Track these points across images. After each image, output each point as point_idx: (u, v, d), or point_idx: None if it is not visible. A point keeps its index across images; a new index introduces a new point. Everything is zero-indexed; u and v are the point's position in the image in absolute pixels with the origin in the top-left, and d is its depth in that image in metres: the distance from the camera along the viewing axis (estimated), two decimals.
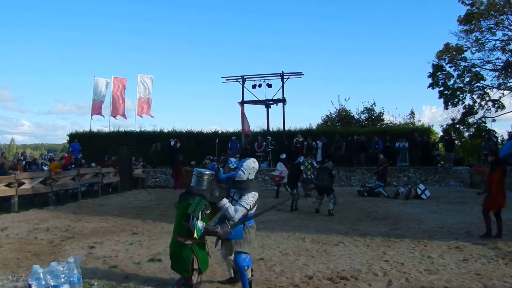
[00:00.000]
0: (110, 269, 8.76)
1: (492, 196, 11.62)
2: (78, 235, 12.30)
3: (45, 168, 22.25)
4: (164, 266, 8.92)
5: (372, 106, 41.33)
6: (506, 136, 33.65)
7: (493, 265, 8.80)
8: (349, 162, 29.09)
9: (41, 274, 2.79)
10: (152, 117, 35.69)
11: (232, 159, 26.65)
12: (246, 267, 6.92)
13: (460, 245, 10.51)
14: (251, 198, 6.88)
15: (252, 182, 7.12)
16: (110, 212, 16.89)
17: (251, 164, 7.08)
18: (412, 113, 41.25)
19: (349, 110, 41.77)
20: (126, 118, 36.61)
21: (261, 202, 7.19)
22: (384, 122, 40.05)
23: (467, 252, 9.90)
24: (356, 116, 41.46)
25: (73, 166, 23.58)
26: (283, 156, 23.39)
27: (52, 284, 2.81)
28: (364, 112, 41.36)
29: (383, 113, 41.11)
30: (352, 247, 10.57)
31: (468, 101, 36.57)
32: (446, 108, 36.86)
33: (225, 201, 6.91)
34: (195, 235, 6.53)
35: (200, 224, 6.51)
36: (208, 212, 6.70)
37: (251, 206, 6.91)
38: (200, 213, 6.51)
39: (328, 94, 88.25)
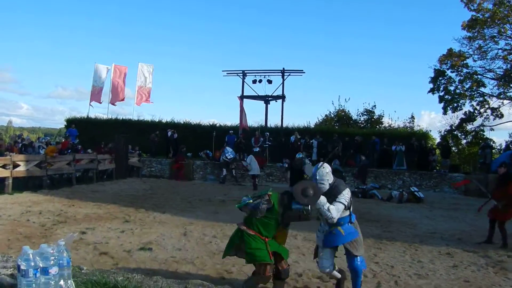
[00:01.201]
0: (100, 255, 8.78)
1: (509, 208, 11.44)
2: (70, 220, 12.32)
3: (42, 151, 22.25)
4: (155, 256, 8.94)
5: (372, 108, 41.40)
6: (503, 146, 33.68)
7: (482, 273, 8.80)
8: (345, 163, 29.11)
9: (31, 256, 2.78)
10: (151, 102, 35.47)
11: (228, 149, 26.86)
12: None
13: (451, 251, 10.51)
14: (346, 194, 6.57)
15: (336, 181, 6.74)
16: (104, 199, 16.88)
17: (324, 171, 6.64)
18: (412, 117, 41.27)
19: (348, 111, 41.89)
20: (124, 100, 36.47)
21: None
22: (383, 125, 40.04)
23: (458, 258, 9.90)
24: (355, 117, 41.54)
25: (69, 151, 23.59)
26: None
27: (41, 265, 2.80)
28: (364, 113, 41.40)
29: (383, 116, 41.16)
30: (343, 247, 10.58)
31: (467, 108, 36.67)
32: (445, 113, 36.93)
33: (323, 200, 6.51)
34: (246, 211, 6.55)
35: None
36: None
37: (349, 203, 6.64)
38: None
39: (329, 94, 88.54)
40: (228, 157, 26.26)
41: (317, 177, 6.57)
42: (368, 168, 25.88)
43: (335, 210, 6.43)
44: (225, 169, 26.58)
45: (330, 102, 58.18)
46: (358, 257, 6.67)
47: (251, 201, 6.44)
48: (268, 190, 6.64)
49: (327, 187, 6.57)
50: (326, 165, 6.75)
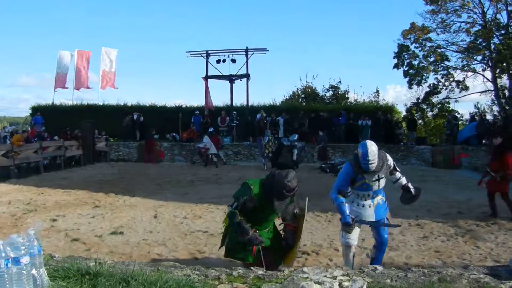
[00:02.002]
0: (72, 241, 8.79)
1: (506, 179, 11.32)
2: (41, 208, 12.27)
3: (8, 141, 22.04)
4: (126, 239, 8.98)
5: (338, 84, 41.54)
6: (467, 117, 34.13)
7: (452, 242, 8.98)
8: (312, 139, 29.21)
9: (1, 246, 2.79)
10: (115, 88, 35.24)
11: (205, 139, 26.75)
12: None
13: (421, 223, 10.66)
14: (389, 156, 6.69)
15: (380, 153, 6.46)
16: (73, 185, 16.77)
17: (374, 149, 6.26)
18: (377, 91, 41.57)
19: (315, 87, 42.04)
20: (90, 88, 36.17)
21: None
22: (348, 100, 40.23)
23: (428, 229, 10.06)
24: (321, 94, 41.67)
25: (36, 139, 23.38)
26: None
27: (12, 256, 2.82)
28: (330, 89, 41.53)
29: (348, 91, 41.39)
30: (314, 222, 10.70)
31: (432, 81, 36.99)
32: (410, 87, 37.11)
33: (398, 174, 6.82)
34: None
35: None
36: None
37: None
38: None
39: (295, 72, 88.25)
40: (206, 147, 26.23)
41: (367, 155, 6.19)
42: (327, 143, 26.00)
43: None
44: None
45: (297, 80, 58.07)
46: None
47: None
48: (248, 183, 6.03)
49: (377, 163, 6.29)
50: (373, 143, 6.38)
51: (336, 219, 11.10)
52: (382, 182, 6.51)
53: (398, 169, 6.80)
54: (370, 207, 6.60)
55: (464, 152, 24.11)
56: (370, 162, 6.18)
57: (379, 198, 6.63)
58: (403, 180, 6.83)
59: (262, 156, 24.65)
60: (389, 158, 6.61)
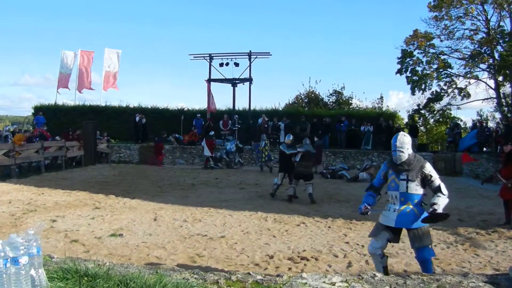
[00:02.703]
0: (71, 243, 8.77)
1: None
2: (40, 208, 12.27)
3: (9, 140, 22.05)
4: (126, 241, 8.97)
5: (341, 90, 41.56)
6: (470, 124, 34.16)
7: (452, 250, 8.95)
8: (313, 144, 29.20)
9: (0, 246, 2.80)
10: (117, 89, 35.32)
11: (229, 142, 27.00)
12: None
13: None
14: (432, 167, 6.34)
15: (413, 154, 6.31)
16: (73, 186, 16.79)
17: (405, 139, 6.22)
18: (381, 98, 41.56)
19: (318, 92, 42.01)
20: (92, 89, 36.26)
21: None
22: (351, 106, 40.23)
23: None
24: (325, 99, 41.66)
25: (37, 139, 23.40)
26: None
27: (11, 255, 2.82)
28: (333, 94, 41.53)
29: (352, 97, 41.39)
30: (314, 228, 10.69)
31: (435, 88, 37.05)
32: (413, 93, 37.23)
33: (437, 181, 6.30)
34: None
35: None
36: None
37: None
38: None
39: (299, 76, 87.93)
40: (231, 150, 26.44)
41: (396, 144, 6.17)
42: (323, 148, 26.05)
43: (442, 184, 6.33)
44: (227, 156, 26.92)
45: (300, 84, 58.08)
46: (427, 246, 6.32)
47: None
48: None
49: (406, 156, 6.15)
50: (405, 133, 6.40)
51: (336, 224, 11.14)
52: (412, 186, 6.19)
53: (440, 185, 6.30)
54: (394, 211, 6.36)
55: (468, 154, 23.79)
56: (398, 148, 6.13)
57: (408, 206, 6.23)
58: (440, 188, 6.31)
59: (259, 160, 24.81)
60: (429, 166, 6.28)
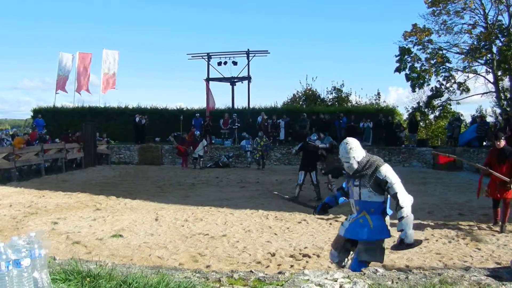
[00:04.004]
0: (73, 244, 8.77)
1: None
2: (41, 211, 12.25)
3: (6, 144, 22.03)
4: (127, 242, 8.96)
5: (341, 87, 41.74)
6: (469, 119, 34.15)
7: (454, 244, 8.93)
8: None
9: (2, 248, 2.79)
10: (115, 89, 35.38)
11: (245, 141, 27.21)
12: None
13: (422, 225, 10.53)
14: (390, 170, 5.45)
15: (366, 157, 5.60)
16: (74, 188, 16.78)
17: (347, 147, 5.55)
18: (378, 94, 41.64)
19: (316, 89, 42.14)
20: (90, 94, 36.34)
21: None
22: (350, 103, 40.25)
23: (429, 231, 10.00)
24: (323, 96, 41.78)
25: (37, 141, 23.42)
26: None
27: (13, 258, 2.82)
28: (332, 91, 41.62)
29: (351, 94, 41.63)
30: (315, 225, 10.67)
31: (434, 84, 37.03)
32: (413, 91, 37.14)
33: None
34: None
35: None
36: None
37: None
38: None
39: (297, 74, 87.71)
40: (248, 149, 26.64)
41: (340, 154, 5.60)
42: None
43: (402, 188, 5.39)
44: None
45: (297, 81, 58.06)
46: (367, 263, 5.36)
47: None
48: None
49: (355, 166, 5.48)
50: (350, 141, 5.62)
51: (337, 221, 11.14)
52: (365, 193, 5.49)
53: (397, 193, 5.39)
54: (349, 220, 5.81)
55: (444, 155, 23.33)
56: (344, 160, 5.57)
57: (364, 216, 5.54)
58: (397, 197, 5.42)
59: (253, 158, 25.07)
60: (385, 170, 5.41)
